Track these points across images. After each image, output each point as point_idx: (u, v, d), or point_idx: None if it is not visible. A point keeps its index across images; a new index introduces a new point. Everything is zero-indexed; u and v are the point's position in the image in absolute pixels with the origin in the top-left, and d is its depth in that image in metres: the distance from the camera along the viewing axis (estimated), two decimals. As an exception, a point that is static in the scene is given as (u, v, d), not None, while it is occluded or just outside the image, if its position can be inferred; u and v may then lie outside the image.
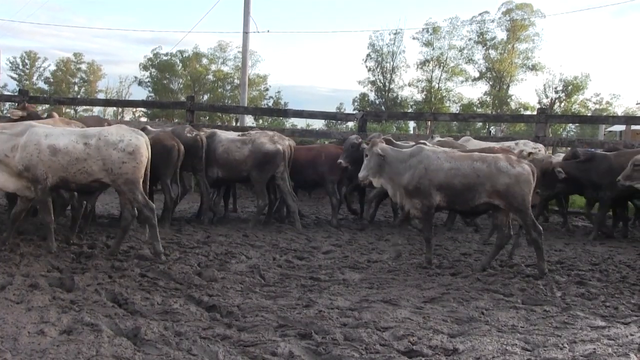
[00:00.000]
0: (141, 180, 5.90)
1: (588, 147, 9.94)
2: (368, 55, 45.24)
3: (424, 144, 7.00)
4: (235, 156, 8.19)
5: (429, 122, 29.17)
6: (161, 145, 7.35)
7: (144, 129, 6.97)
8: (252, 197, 10.60)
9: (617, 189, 7.41)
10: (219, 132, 8.77)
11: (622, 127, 26.58)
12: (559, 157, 9.14)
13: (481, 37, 43.33)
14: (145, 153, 5.91)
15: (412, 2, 69.27)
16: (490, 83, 44.12)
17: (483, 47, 43.55)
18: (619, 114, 36.05)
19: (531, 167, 5.99)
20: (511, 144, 9.11)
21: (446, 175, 5.90)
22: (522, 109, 41.57)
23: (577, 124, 39.32)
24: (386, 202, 9.58)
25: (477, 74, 44.34)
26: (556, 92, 41.57)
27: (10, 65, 51.92)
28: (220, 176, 8.31)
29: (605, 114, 35.28)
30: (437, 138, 9.52)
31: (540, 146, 9.24)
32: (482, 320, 4.39)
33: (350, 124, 25.87)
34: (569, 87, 40.81)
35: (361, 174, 6.23)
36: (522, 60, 43.43)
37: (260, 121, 31.58)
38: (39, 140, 5.69)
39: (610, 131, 29.92)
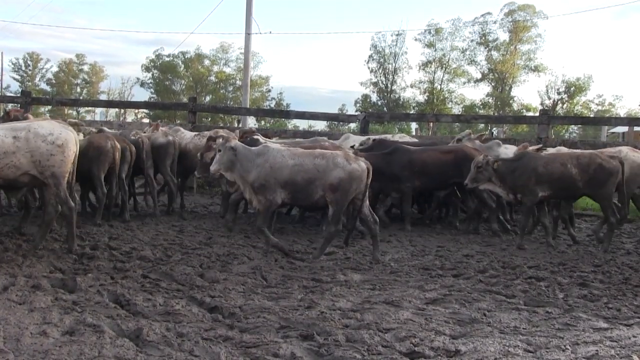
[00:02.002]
0: (66, 176, 5.97)
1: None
2: (370, 56, 45.31)
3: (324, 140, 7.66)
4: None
5: (431, 124, 29.19)
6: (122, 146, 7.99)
7: (100, 131, 7.90)
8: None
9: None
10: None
11: (624, 129, 26.53)
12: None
13: (483, 38, 43.31)
14: (74, 148, 5.98)
15: (415, 3, 69.43)
16: (493, 84, 44.10)
17: (485, 48, 43.54)
18: (622, 115, 36.03)
19: (367, 164, 6.26)
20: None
21: (290, 172, 6.16)
22: (524, 111, 41.55)
23: (579, 126, 39.17)
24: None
25: (479, 75, 44.35)
26: (558, 93, 41.56)
27: (12, 66, 52.12)
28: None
29: (607, 115, 35.22)
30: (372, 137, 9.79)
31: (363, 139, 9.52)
32: (484, 321, 4.38)
33: (353, 125, 25.87)
34: (572, 89, 40.79)
35: (212, 168, 6.44)
36: (524, 62, 43.41)
37: (263, 122, 31.60)
38: None
39: (612, 132, 29.91)
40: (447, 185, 8.55)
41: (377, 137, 9.90)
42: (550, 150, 8.74)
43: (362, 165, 6.23)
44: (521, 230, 7.59)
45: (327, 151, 6.47)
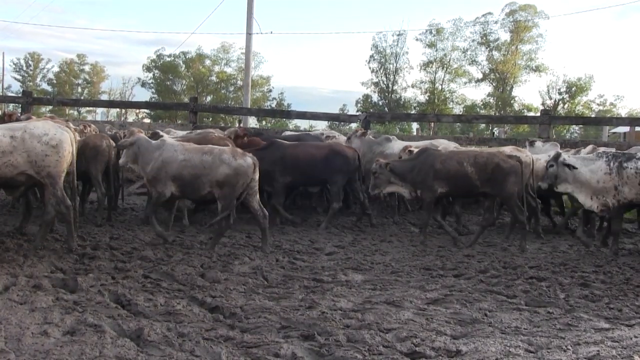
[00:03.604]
0: (62, 176, 6.02)
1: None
2: (371, 56, 45.34)
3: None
4: None
5: (432, 124, 29.17)
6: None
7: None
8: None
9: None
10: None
11: (626, 129, 26.54)
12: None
13: (484, 38, 43.32)
14: (69, 148, 6.02)
15: (416, 3, 69.46)
16: (494, 84, 44.10)
17: (486, 48, 43.55)
18: (623, 115, 35.98)
19: (253, 159, 6.52)
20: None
21: (178, 167, 6.44)
22: (525, 111, 41.55)
23: (580, 126, 39.17)
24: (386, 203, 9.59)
25: (480, 75, 44.38)
26: (560, 93, 41.54)
27: (13, 66, 52.23)
28: None
29: (609, 115, 35.21)
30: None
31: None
32: (485, 321, 4.38)
33: (354, 125, 25.87)
34: (573, 89, 40.76)
35: (121, 160, 6.83)
36: (525, 62, 43.42)
37: (264, 122, 31.62)
38: None
39: (614, 133, 29.88)
40: (318, 182, 8.67)
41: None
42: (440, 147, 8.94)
43: (248, 160, 6.46)
44: (424, 227, 7.74)
45: (216, 147, 6.71)
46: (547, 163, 7.33)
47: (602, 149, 8.17)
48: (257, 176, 6.57)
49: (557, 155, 7.18)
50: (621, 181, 6.74)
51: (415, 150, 8.28)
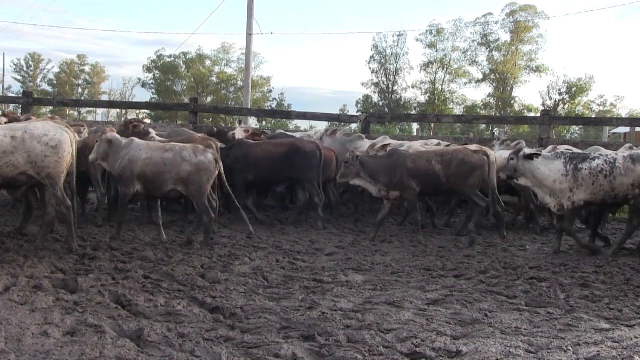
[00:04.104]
0: (63, 177, 6.04)
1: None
2: (372, 57, 45.39)
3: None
4: None
5: (432, 124, 29.19)
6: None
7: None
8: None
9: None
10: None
11: (626, 129, 26.55)
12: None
13: (485, 38, 43.34)
14: (68, 149, 6.04)
15: (416, 4, 69.50)
16: (494, 85, 44.10)
17: (487, 48, 43.56)
18: (623, 115, 35.96)
19: (215, 156, 6.66)
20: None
21: (142, 165, 6.55)
22: (525, 111, 41.55)
23: (581, 126, 39.24)
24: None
25: (480, 76, 44.39)
26: (560, 94, 41.54)
27: (14, 67, 52.28)
28: None
29: (609, 115, 35.19)
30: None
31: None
32: (485, 322, 4.38)
33: (354, 126, 25.87)
34: (573, 89, 40.75)
35: (91, 157, 6.91)
36: (525, 62, 43.43)
37: (264, 123, 31.61)
38: None
39: (614, 133, 29.87)
40: (281, 179, 8.65)
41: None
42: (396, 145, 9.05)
43: (209, 156, 6.59)
44: (415, 225, 7.77)
45: (178, 145, 6.82)
46: (509, 156, 7.41)
47: (563, 148, 8.34)
48: (219, 171, 6.73)
49: (519, 149, 7.26)
50: (576, 183, 6.80)
51: (379, 146, 8.51)
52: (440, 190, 8.01)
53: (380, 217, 7.80)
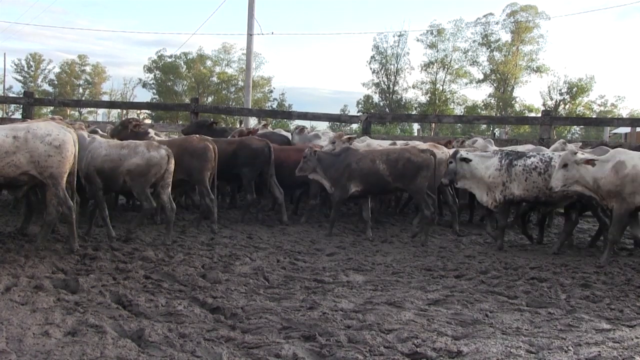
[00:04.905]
0: (65, 177, 6.05)
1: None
2: (372, 57, 45.44)
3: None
4: None
5: (433, 124, 29.17)
6: None
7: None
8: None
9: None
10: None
11: (627, 129, 26.52)
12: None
13: (485, 39, 43.36)
14: (71, 149, 6.06)
15: (417, 4, 69.50)
16: (495, 85, 44.11)
17: (487, 49, 43.59)
18: (624, 116, 35.97)
19: (167, 151, 6.83)
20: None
21: (101, 162, 6.77)
22: (526, 111, 41.58)
23: (581, 126, 39.25)
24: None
25: (481, 76, 44.41)
26: (561, 94, 41.58)
27: (15, 67, 52.33)
28: None
29: (610, 116, 35.21)
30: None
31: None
32: (486, 322, 4.38)
33: (355, 126, 25.88)
34: (574, 89, 40.79)
35: None
36: (526, 62, 43.46)
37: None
38: None
39: (615, 133, 29.86)
40: (231, 176, 8.71)
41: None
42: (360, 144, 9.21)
43: (161, 152, 6.80)
44: (330, 223, 7.97)
45: (133, 141, 7.06)
46: (447, 160, 7.52)
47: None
48: (171, 168, 6.87)
49: (456, 152, 7.38)
50: (509, 178, 7.03)
51: (344, 138, 8.70)
52: (387, 190, 8.06)
53: (332, 216, 7.96)
